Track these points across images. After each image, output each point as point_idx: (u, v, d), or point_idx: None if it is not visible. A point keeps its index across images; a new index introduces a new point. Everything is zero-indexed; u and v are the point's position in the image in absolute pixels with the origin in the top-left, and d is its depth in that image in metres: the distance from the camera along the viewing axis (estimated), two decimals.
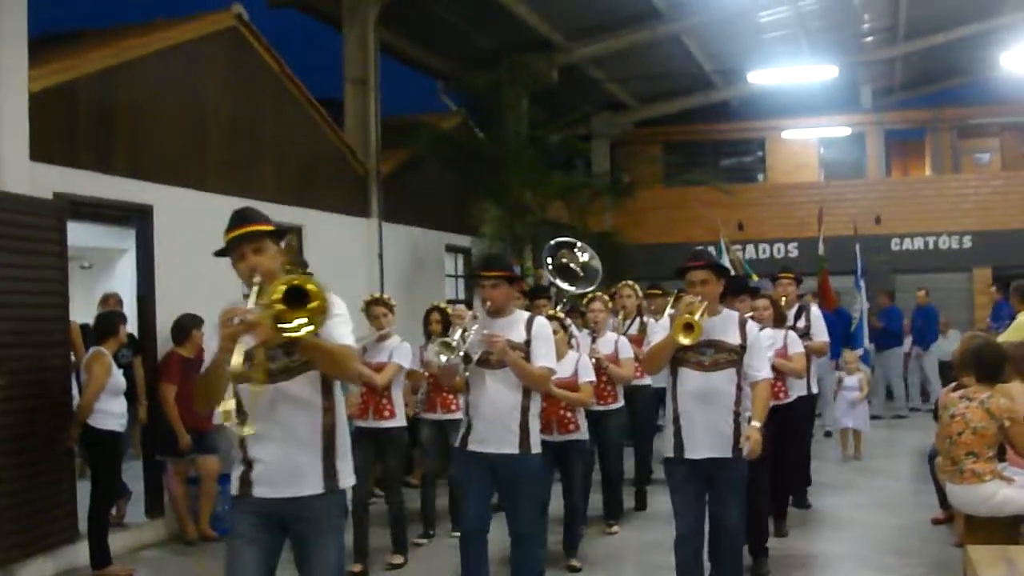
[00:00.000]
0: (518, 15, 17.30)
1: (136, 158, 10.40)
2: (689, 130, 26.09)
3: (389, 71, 16.89)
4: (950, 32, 22.32)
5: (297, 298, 4.19)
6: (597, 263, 11.36)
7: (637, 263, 18.66)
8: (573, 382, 8.32)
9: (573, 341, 9.27)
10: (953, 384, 8.86)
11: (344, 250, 14.26)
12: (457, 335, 6.56)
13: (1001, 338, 9.93)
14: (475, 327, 6.63)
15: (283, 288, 4.17)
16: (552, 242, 11.48)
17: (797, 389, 9.84)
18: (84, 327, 10.36)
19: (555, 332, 7.50)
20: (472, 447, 6.67)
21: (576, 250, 11.46)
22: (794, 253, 23.28)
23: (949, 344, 18.50)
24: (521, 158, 16.58)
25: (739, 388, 6.57)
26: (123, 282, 12.60)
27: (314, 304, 4.20)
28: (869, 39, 23.45)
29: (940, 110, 25.97)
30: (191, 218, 10.81)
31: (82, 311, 11.15)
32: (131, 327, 10.27)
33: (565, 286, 11.17)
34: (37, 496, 8.53)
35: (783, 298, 10.48)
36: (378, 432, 8.71)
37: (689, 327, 6.22)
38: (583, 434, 8.52)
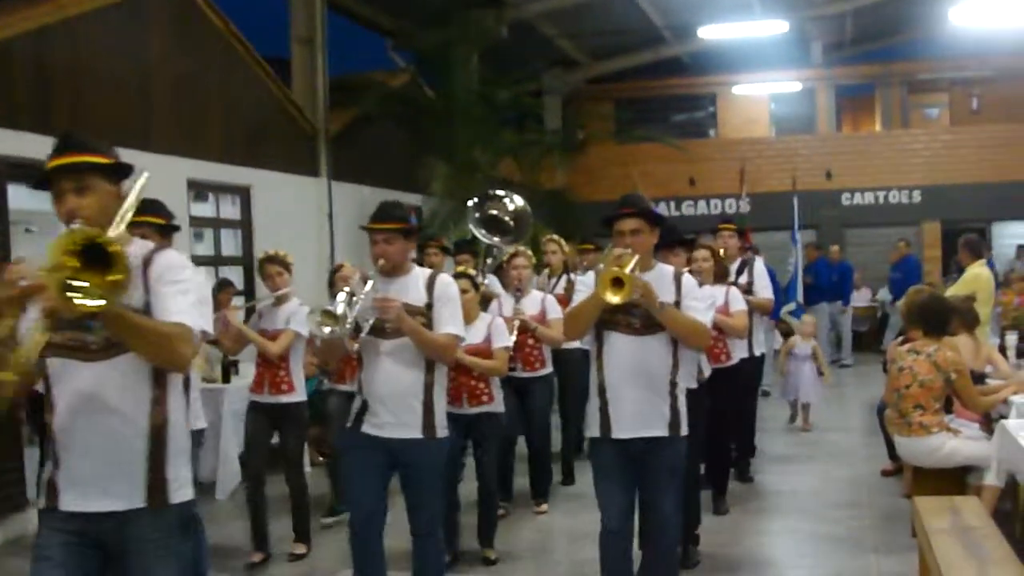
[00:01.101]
0: None
1: (77, 119, 10.22)
2: (640, 86, 26.03)
3: (337, 29, 16.70)
4: None
5: (98, 259, 3.18)
6: (528, 210, 10.38)
7: (589, 220, 18.63)
8: (486, 348, 7.45)
9: (496, 302, 8.89)
10: (901, 337, 8.95)
11: (294, 210, 14.14)
12: (341, 301, 5.51)
13: (949, 292, 10.02)
14: (366, 290, 5.60)
15: (78, 243, 3.17)
16: (476, 196, 10.61)
17: (739, 351, 8.98)
18: None
19: (464, 291, 6.95)
20: (367, 429, 5.77)
21: (504, 199, 10.50)
22: (746, 208, 23.32)
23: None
24: (471, 115, 16.49)
25: (675, 355, 5.65)
26: None
27: (113, 275, 3.17)
28: None
29: (890, 65, 26.03)
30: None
31: None
32: None
33: (495, 240, 10.23)
34: None
35: (723, 251, 9.55)
36: (274, 408, 7.87)
37: (618, 283, 5.18)
38: (497, 405, 7.60)
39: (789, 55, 24.52)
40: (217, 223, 13.35)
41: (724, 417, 8.51)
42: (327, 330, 5.44)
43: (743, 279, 9.95)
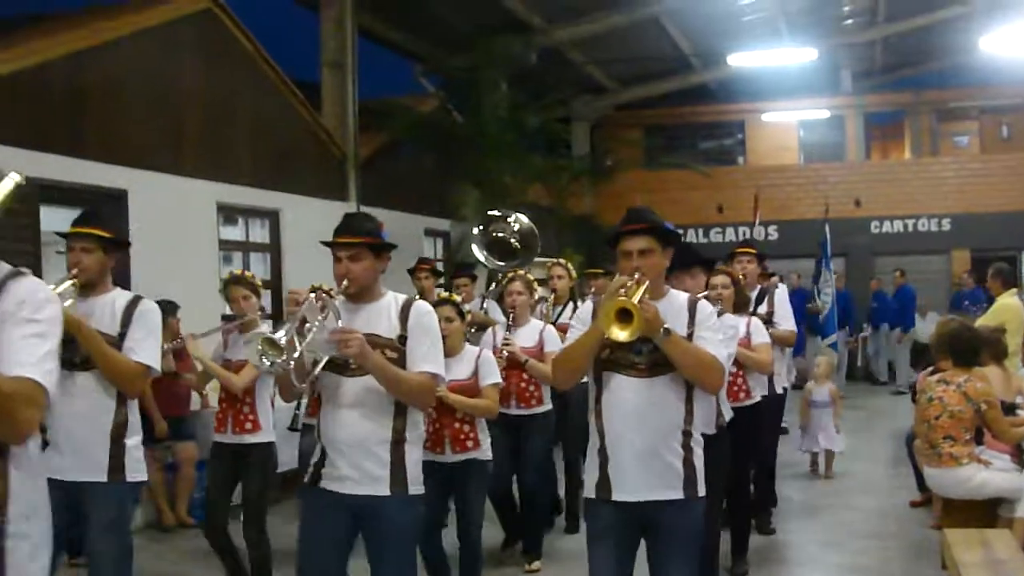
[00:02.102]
0: None
1: (109, 142, 10.32)
2: (669, 113, 26.06)
3: (366, 54, 16.79)
4: (929, 15, 22.31)
5: None
6: (535, 232, 9.76)
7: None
8: (472, 385, 6.60)
9: (491, 331, 8.14)
10: (930, 368, 8.87)
11: (321, 235, 14.00)
12: (282, 331, 4.44)
13: (978, 322, 9.94)
14: (321, 317, 4.57)
15: None
16: (480, 219, 10.08)
17: (760, 388, 7.98)
18: None
19: (449, 320, 6.41)
20: (326, 484, 4.76)
21: (510, 220, 9.99)
22: (774, 236, 23.27)
23: (927, 326, 18.65)
24: (500, 141, 16.50)
25: (690, 400, 4.71)
26: None
27: None
28: (849, 22, 23.42)
29: (919, 93, 25.98)
30: (166, 203, 10.73)
31: None
32: None
33: (499, 264, 9.56)
34: None
35: (742, 277, 8.44)
36: (238, 449, 6.96)
37: (626, 315, 4.36)
38: (483, 452, 6.65)
39: (818, 82, 24.52)
40: (246, 247, 13.41)
41: (745, 460, 7.65)
42: (267, 363, 4.41)
43: (762, 308, 8.96)
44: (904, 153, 26.70)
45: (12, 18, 10.50)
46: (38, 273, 8.99)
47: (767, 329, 8.15)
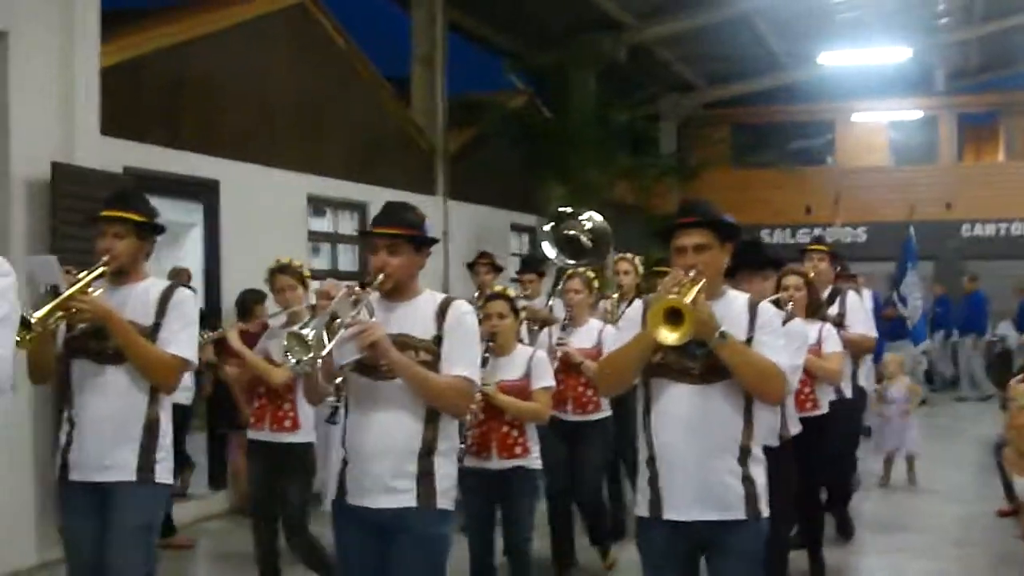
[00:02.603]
0: None
1: (204, 133, 10.53)
2: (758, 112, 25.85)
3: (456, 49, 16.88)
4: None
5: None
6: (608, 230, 9.44)
7: None
8: (524, 386, 6.18)
9: (547, 331, 7.77)
10: (1022, 374, 8.74)
11: None
12: (311, 326, 4.15)
13: None
14: (355, 314, 4.21)
15: None
16: (549, 217, 9.78)
17: (828, 397, 7.36)
18: None
19: (501, 316, 6.17)
20: (351, 499, 4.42)
21: (582, 218, 9.75)
22: (862, 238, 23.01)
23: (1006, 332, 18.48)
24: (587, 138, 16.52)
25: (749, 411, 4.33)
26: (191, 256, 12.74)
27: None
28: (944, 20, 23.04)
29: (1014, 93, 25.50)
30: (257, 194, 10.93)
31: None
32: (199, 300, 10.38)
33: (568, 262, 9.22)
34: None
35: (813, 275, 7.80)
36: (275, 448, 6.70)
37: (675, 315, 4.02)
38: (532, 459, 6.26)
39: (910, 82, 24.18)
40: (335, 238, 13.59)
41: (812, 478, 7.11)
42: (293, 360, 4.11)
43: (833, 310, 8.27)
44: (998, 155, 26.22)
45: (112, 12, 10.72)
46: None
47: (842, 334, 7.62)
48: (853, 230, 23.23)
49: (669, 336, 4.00)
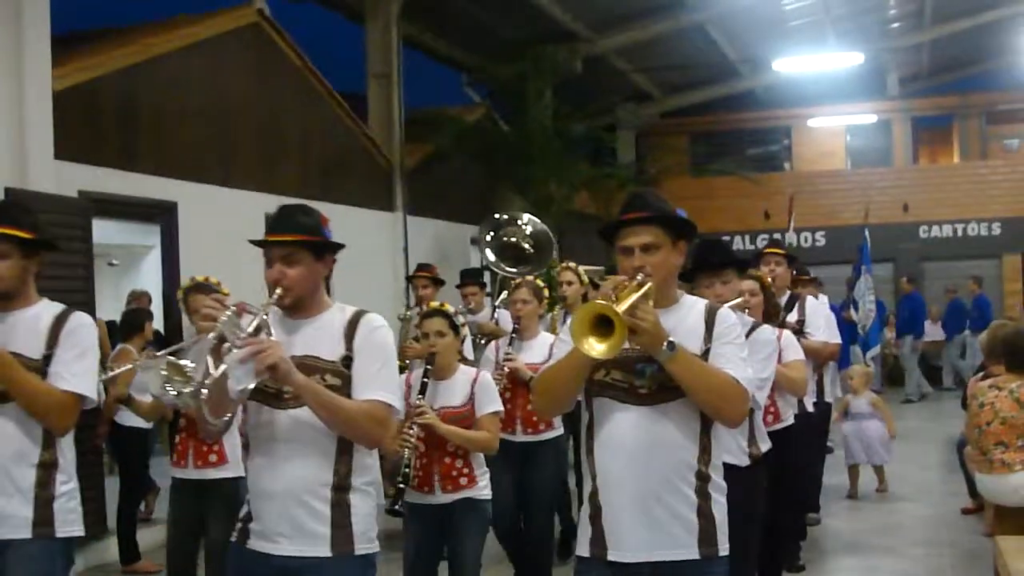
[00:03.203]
0: (541, 6, 17.22)
1: (160, 155, 10.48)
2: (715, 120, 25.97)
3: (412, 64, 16.89)
4: (977, 17, 22.09)
5: None
6: (549, 235, 8.90)
7: None
8: (468, 413, 5.61)
9: (494, 345, 7.35)
10: (981, 373, 8.80)
11: (369, 244, 14.28)
12: (192, 354, 3.81)
13: None
14: (246, 333, 3.59)
15: None
16: (487, 222, 9.39)
17: (792, 408, 6.86)
18: (111, 324, 10.41)
19: (440, 334, 5.63)
20: (253, 544, 3.83)
21: (520, 223, 9.39)
22: (821, 242, 23.16)
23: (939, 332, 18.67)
24: (546, 150, 16.56)
25: (706, 434, 3.75)
26: (150, 279, 12.67)
27: None
28: (895, 25, 23.29)
29: (967, 96, 25.76)
30: (215, 214, 10.86)
31: (110, 308, 11.23)
32: (158, 324, 10.31)
33: (510, 270, 8.81)
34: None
35: (771, 281, 7.26)
36: (200, 485, 6.19)
37: (604, 324, 3.39)
38: (479, 490, 5.65)
39: (865, 87, 24.37)
40: None
41: (777, 491, 6.27)
42: (173, 393, 3.46)
43: (792, 316, 7.79)
44: (953, 157, 26.45)
45: (65, 35, 10.66)
46: (90, 285, 9.14)
47: (801, 341, 7.14)
48: (812, 234, 23.35)
49: (595, 348, 3.37)
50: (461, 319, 5.97)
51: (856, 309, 15.61)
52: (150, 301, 11.70)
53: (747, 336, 4.50)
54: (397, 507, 5.37)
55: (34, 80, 8.59)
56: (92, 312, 9.10)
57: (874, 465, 10.89)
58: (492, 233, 9.50)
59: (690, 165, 24.39)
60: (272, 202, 12.18)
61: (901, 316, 19.85)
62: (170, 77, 10.72)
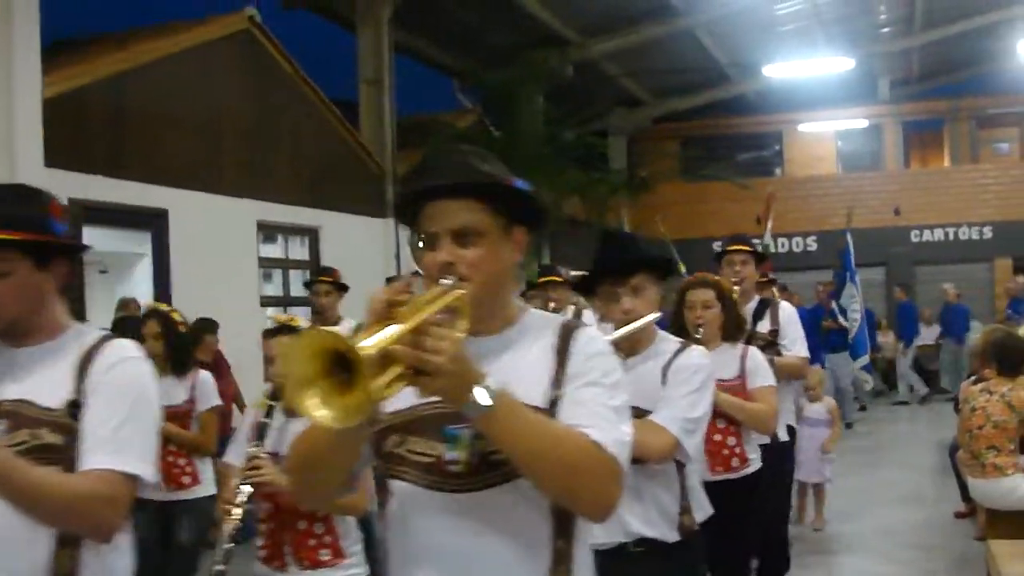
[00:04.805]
0: (532, 12, 17.25)
1: (150, 162, 10.45)
2: (706, 125, 25.98)
3: (404, 71, 16.92)
4: (967, 21, 22.16)
5: None
6: None
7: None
8: None
9: None
10: (973, 377, 8.81)
11: (361, 251, 14.26)
12: None
13: (1022, 331, 9.87)
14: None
15: None
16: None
17: (756, 452, 5.38)
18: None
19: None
20: None
21: None
22: (813, 247, 23.17)
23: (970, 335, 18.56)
24: (537, 155, 16.53)
25: (562, 533, 2.35)
26: (141, 287, 12.64)
27: None
28: (886, 30, 23.32)
29: (958, 100, 25.80)
30: (206, 221, 10.84)
31: (101, 316, 11.18)
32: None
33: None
34: None
35: (735, 286, 6.00)
36: (170, 507, 5.83)
37: (341, 370, 1.95)
38: (349, 566, 4.42)
39: (855, 92, 24.41)
40: (286, 264, 13.51)
41: (742, 553, 5.32)
42: None
43: (763, 326, 6.52)
44: (944, 161, 26.51)
45: (56, 42, 10.66)
46: (81, 295, 9.11)
47: (771, 359, 5.86)
48: (804, 239, 23.38)
49: (318, 411, 1.95)
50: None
51: (845, 316, 15.20)
52: (138, 308, 11.66)
53: (670, 362, 3.76)
54: None
55: (24, 87, 8.57)
56: (82, 320, 9.10)
57: (813, 485, 9.64)
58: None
59: (681, 170, 24.40)
60: (264, 209, 12.31)
61: (900, 323, 19.85)
62: (161, 84, 10.70)
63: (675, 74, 22.90)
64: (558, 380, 2.36)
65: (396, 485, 2.38)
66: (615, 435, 2.29)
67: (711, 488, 4.51)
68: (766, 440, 5.56)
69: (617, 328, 3.78)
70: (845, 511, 10.35)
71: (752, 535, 5.28)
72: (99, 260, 11.88)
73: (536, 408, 2.28)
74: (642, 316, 3.80)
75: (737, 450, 5.20)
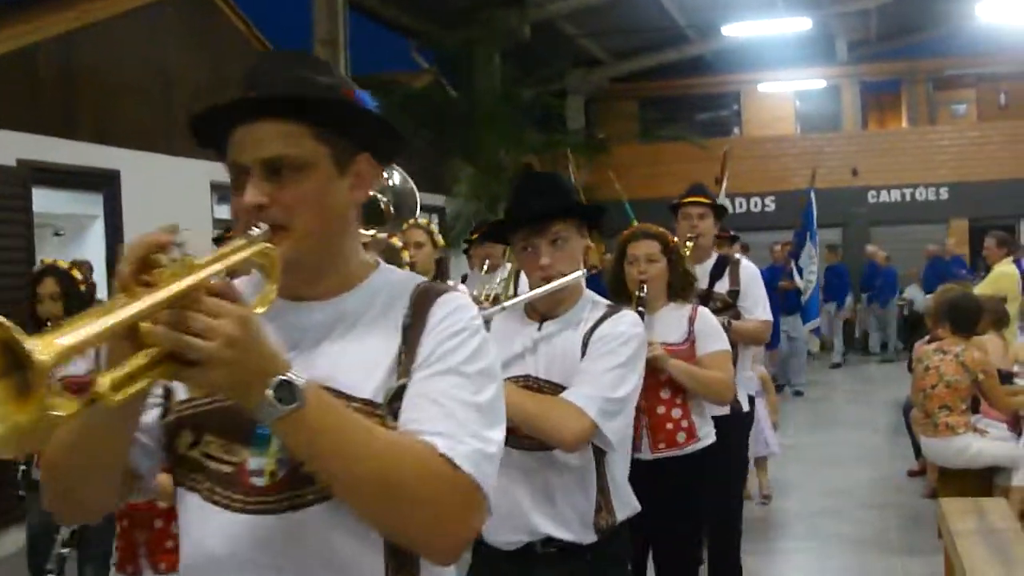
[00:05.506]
0: None
1: (101, 123, 10.31)
2: (664, 85, 25.92)
3: (359, 30, 16.71)
4: None
5: None
6: (412, 187, 8.08)
7: (614, 219, 18.55)
8: None
9: None
10: (927, 336, 8.87)
11: None
12: None
13: (976, 290, 9.94)
14: None
15: None
16: None
17: (708, 424, 4.72)
18: None
19: None
20: None
21: (383, 176, 8.65)
22: (771, 207, 23.23)
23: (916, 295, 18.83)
24: (495, 116, 16.48)
25: (404, 572, 1.80)
26: (94, 248, 12.51)
27: None
28: None
29: (915, 62, 25.86)
30: (159, 182, 10.71)
31: None
32: (101, 293, 10.17)
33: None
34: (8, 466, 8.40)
35: (688, 241, 5.85)
36: None
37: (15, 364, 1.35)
38: None
39: (814, 52, 24.40)
40: None
41: (689, 534, 4.71)
42: None
43: (722, 286, 6.01)
44: (901, 122, 26.58)
45: (3, 2, 10.47)
46: (31, 256, 8.98)
47: (728, 321, 5.55)
48: (762, 199, 23.43)
49: (56, 412, 1.39)
50: None
51: (802, 276, 14.96)
52: (91, 270, 11.53)
53: (593, 329, 3.25)
54: None
55: None
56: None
57: (755, 459, 8.72)
58: None
59: (640, 131, 24.35)
60: (217, 170, 12.01)
61: (828, 285, 19.15)
62: (112, 43, 10.54)
63: (633, 34, 22.81)
64: (403, 365, 1.79)
65: (184, 497, 1.86)
66: (474, 444, 1.72)
67: (654, 466, 4.28)
68: (724, 411, 5.08)
69: (533, 287, 3.28)
70: (799, 472, 10.43)
71: (701, 515, 4.72)
72: (54, 222, 11.76)
73: (366, 405, 1.75)
74: (563, 273, 3.23)
75: (684, 424, 4.53)
